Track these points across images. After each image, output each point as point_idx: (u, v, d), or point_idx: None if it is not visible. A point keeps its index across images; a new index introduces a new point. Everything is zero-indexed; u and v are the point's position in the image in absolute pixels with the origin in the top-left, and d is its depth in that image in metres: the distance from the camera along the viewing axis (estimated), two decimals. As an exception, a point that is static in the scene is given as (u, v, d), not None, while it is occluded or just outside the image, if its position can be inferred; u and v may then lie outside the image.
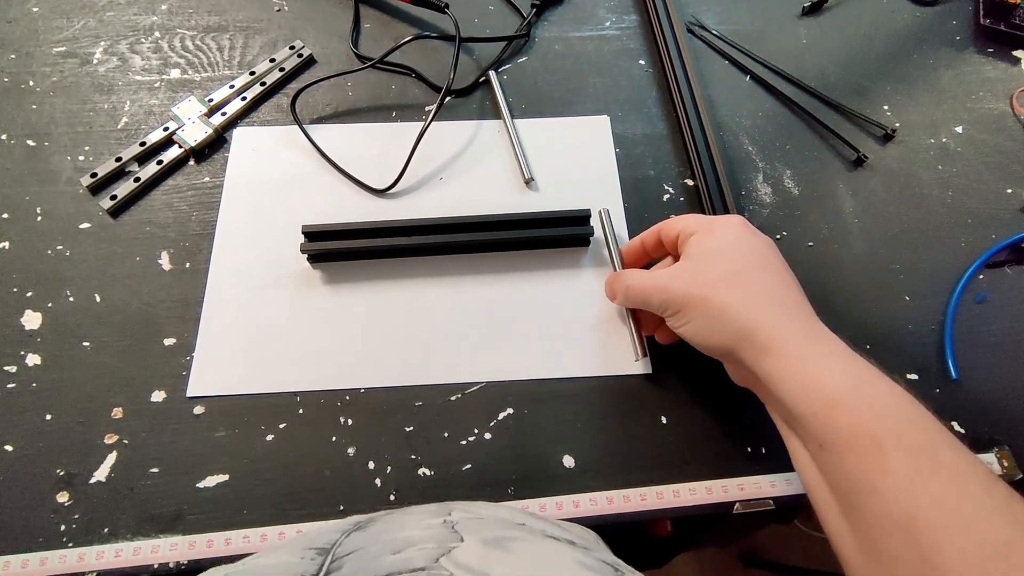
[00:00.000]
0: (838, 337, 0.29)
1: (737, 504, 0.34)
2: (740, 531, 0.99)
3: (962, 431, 0.36)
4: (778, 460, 0.35)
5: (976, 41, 0.51)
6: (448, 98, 0.46)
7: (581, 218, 0.40)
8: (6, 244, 0.40)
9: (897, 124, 0.46)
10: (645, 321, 0.37)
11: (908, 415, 0.25)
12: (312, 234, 0.39)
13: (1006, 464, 0.35)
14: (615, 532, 0.36)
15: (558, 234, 0.40)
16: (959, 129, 0.47)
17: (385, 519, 0.26)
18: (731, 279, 0.30)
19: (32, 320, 0.38)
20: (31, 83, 0.46)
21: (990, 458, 0.35)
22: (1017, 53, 0.50)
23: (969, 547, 0.22)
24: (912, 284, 0.41)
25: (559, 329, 0.38)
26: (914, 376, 0.38)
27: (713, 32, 0.50)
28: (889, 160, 0.45)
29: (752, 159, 0.45)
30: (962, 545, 0.22)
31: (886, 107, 0.47)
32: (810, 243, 0.42)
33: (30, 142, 0.43)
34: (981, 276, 0.41)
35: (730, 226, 0.33)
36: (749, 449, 0.35)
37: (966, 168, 0.45)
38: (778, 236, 0.42)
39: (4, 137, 0.43)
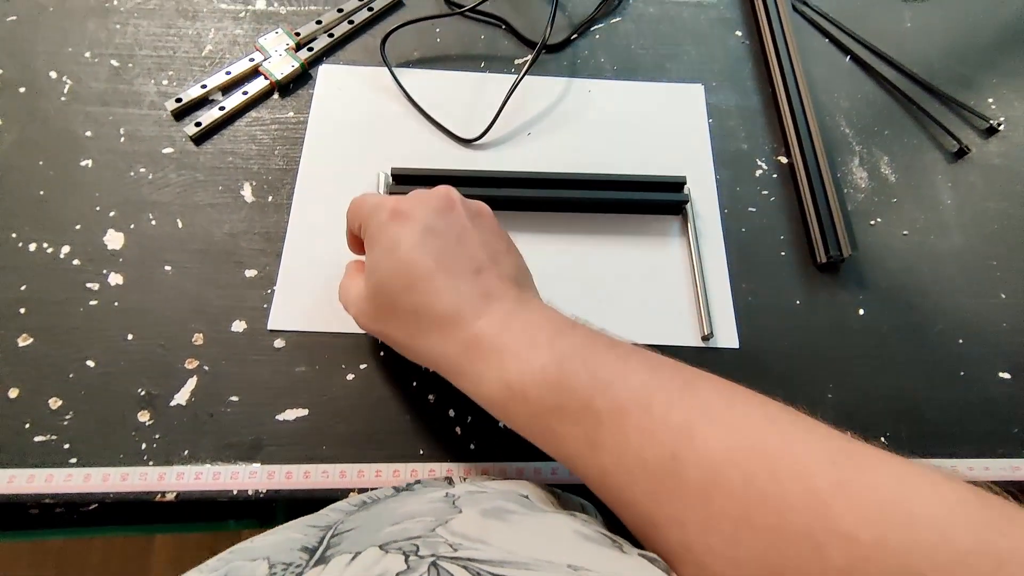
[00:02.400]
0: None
1: (820, 486, 0.33)
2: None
3: (1054, 435, 0.35)
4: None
5: (1088, 40, 0.48)
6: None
7: (675, 185, 0.39)
8: (89, 162, 0.39)
9: (1002, 118, 0.44)
10: None
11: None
12: (400, 177, 0.38)
13: (1099, 472, 0.34)
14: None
15: (651, 199, 0.39)
16: (1065, 129, 0.45)
17: (389, 500, 0.26)
18: (382, 315, 0.28)
19: (115, 240, 0.37)
20: (115, 2, 0.45)
21: (1083, 464, 0.34)
22: None
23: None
24: (1009, 282, 0.39)
25: (647, 295, 0.37)
26: (1007, 375, 0.37)
27: (815, 9, 0.48)
28: (991, 155, 0.44)
29: (848, 142, 0.43)
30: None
31: (991, 100, 0.46)
32: (905, 232, 0.40)
33: (114, 62, 0.43)
34: (1081, 281, 0.40)
35: (381, 229, 0.27)
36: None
37: (1071, 169, 0.43)
38: (872, 223, 0.41)
39: (88, 55, 0.43)
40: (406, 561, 0.18)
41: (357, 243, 0.31)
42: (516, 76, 0.42)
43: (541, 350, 0.24)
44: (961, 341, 0.37)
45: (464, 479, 0.29)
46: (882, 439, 0.35)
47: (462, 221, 0.28)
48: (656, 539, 0.22)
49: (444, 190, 0.29)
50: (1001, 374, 0.37)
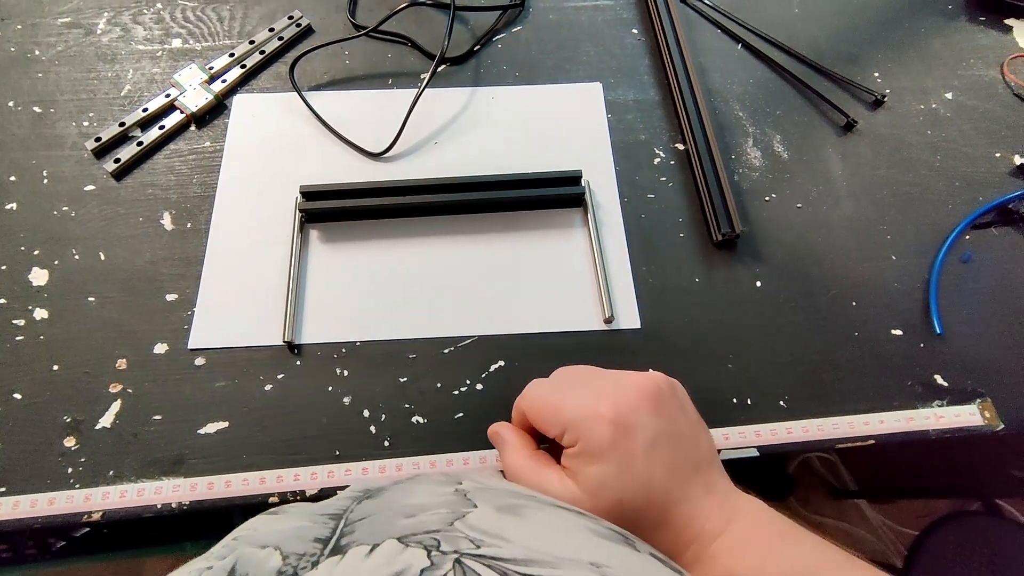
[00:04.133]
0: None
1: (722, 452, 0.35)
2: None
3: (945, 384, 0.37)
4: (763, 410, 0.36)
5: (968, 10, 0.51)
6: (443, 66, 0.47)
7: (572, 179, 0.41)
8: (14, 205, 0.41)
9: (887, 90, 0.47)
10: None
11: None
12: (309, 194, 0.40)
13: (987, 415, 0.36)
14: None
15: (549, 194, 0.41)
16: (949, 95, 0.47)
17: (395, 488, 0.26)
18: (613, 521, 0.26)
19: (39, 277, 0.39)
20: (37, 52, 0.47)
21: (972, 409, 0.36)
22: (1008, 21, 0.50)
23: None
24: (899, 244, 0.41)
25: (551, 285, 0.39)
26: (899, 332, 0.38)
27: (706, 2, 0.50)
28: (879, 125, 0.46)
29: (742, 124, 0.46)
30: None
31: (876, 74, 0.48)
32: (799, 204, 0.42)
33: (36, 108, 0.45)
34: (967, 237, 0.41)
35: (610, 446, 0.26)
36: (735, 400, 0.36)
37: (955, 133, 0.45)
38: (767, 198, 0.43)
39: (11, 104, 0.45)
40: (429, 556, 0.18)
41: (528, 434, 0.30)
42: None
43: (775, 560, 0.25)
44: (855, 304, 0.39)
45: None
46: (780, 402, 0.36)
47: (674, 414, 0.28)
48: None
49: (647, 383, 0.28)
50: (894, 331, 0.38)
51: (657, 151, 0.44)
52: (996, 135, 0.45)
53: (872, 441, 0.35)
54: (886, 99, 0.46)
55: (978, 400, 0.36)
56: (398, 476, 0.33)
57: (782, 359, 0.38)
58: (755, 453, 0.35)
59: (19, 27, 0.48)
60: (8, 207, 0.41)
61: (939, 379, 0.37)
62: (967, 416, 0.36)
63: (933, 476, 1.01)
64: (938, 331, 0.38)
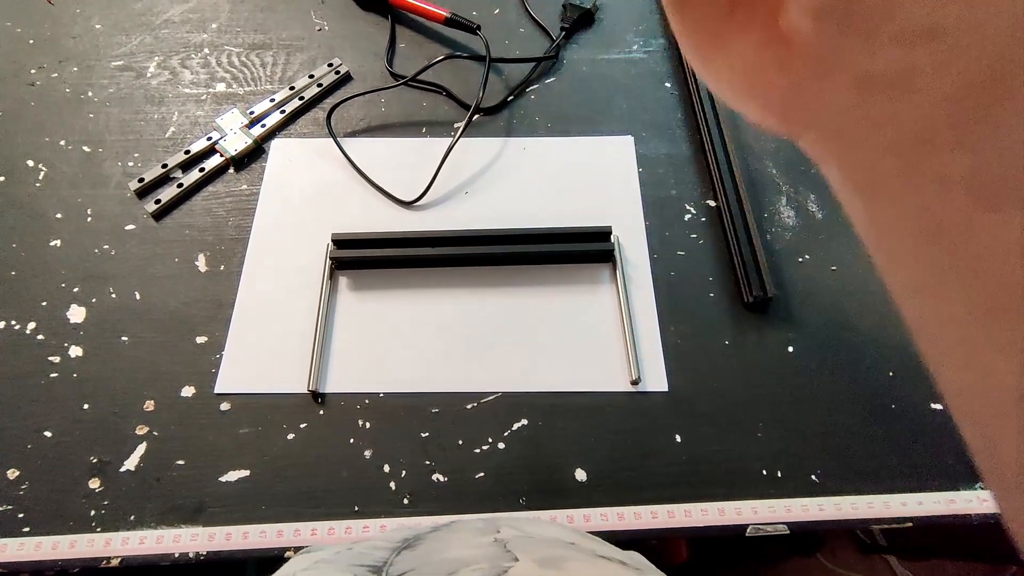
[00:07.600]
0: None
1: (750, 527, 0.33)
2: (760, 564, 0.96)
3: (990, 465, 0.35)
4: (794, 484, 0.35)
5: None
6: (477, 116, 0.48)
7: (602, 234, 0.41)
8: (58, 242, 0.42)
9: (926, 151, 0.46)
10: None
11: None
12: (341, 242, 0.40)
13: (1036, 502, 0.34)
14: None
15: (579, 249, 0.40)
16: (991, 157, 0.46)
17: (432, 537, 0.26)
18: None
19: (77, 314, 0.40)
20: (90, 94, 0.49)
21: (1019, 495, 0.34)
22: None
23: None
24: (939, 312, 0.40)
25: (577, 343, 0.38)
26: (939, 407, 0.37)
27: (740, 57, 0.50)
28: (917, 187, 0.45)
29: (776, 182, 0.45)
30: None
31: (915, 134, 0.47)
32: (834, 267, 0.42)
33: (86, 148, 0.46)
34: (1012, 307, 0.40)
35: None
36: (764, 472, 0.35)
37: (998, 197, 0.44)
38: (800, 259, 0.42)
39: (63, 143, 0.47)
40: None
41: None
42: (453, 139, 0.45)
43: None
44: (892, 374, 0.38)
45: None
46: (812, 476, 0.35)
47: None
48: None
49: None
50: (933, 405, 0.37)
51: (688, 207, 0.44)
52: (1042, 200, 0.44)
53: (910, 524, 0.34)
54: (925, 160, 0.45)
55: (1026, 485, 0.34)
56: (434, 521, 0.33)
57: (815, 430, 0.36)
58: (785, 530, 0.34)
59: (75, 69, 0.50)
60: (53, 243, 0.42)
61: (983, 460, 0.35)
62: (1014, 502, 0.34)
63: (969, 538, 0.97)
64: (982, 408, 0.36)
